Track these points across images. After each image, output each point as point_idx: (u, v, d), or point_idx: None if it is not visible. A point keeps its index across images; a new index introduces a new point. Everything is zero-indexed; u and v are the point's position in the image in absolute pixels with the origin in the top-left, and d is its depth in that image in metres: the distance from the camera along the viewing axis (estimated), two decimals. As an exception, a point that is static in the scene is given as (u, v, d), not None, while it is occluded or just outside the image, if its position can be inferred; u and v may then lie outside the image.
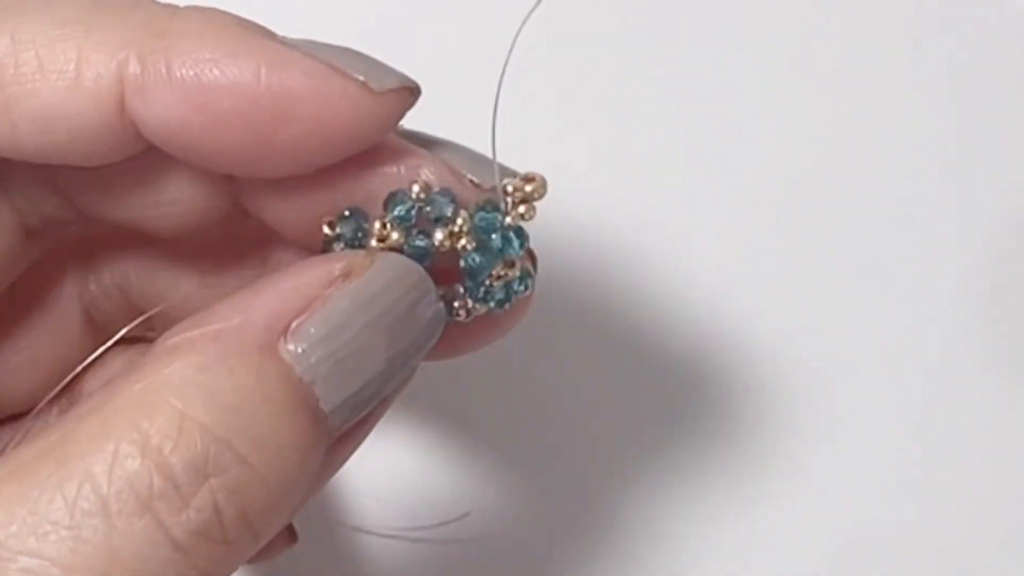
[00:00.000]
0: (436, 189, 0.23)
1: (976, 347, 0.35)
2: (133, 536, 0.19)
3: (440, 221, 0.22)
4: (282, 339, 0.21)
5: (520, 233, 0.23)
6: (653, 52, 0.35)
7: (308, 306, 0.21)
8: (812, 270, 0.34)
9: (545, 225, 0.24)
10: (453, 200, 0.22)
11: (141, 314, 0.26)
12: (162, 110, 0.20)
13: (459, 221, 0.22)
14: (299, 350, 0.21)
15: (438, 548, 0.29)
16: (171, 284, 0.27)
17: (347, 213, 0.23)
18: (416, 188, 0.22)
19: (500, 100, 0.31)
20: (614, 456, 0.36)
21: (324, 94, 0.21)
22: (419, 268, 0.22)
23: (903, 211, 0.34)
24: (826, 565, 0.34)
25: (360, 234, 0.23)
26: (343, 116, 0.21)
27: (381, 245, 0.22)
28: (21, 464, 0.19)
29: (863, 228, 0.35)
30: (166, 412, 0.19)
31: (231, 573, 0.20)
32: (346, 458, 0.23)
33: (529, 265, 0.24)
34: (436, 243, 0.22)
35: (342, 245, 0.23)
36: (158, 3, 0.21)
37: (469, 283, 0.23)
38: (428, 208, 0.22)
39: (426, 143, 0.23)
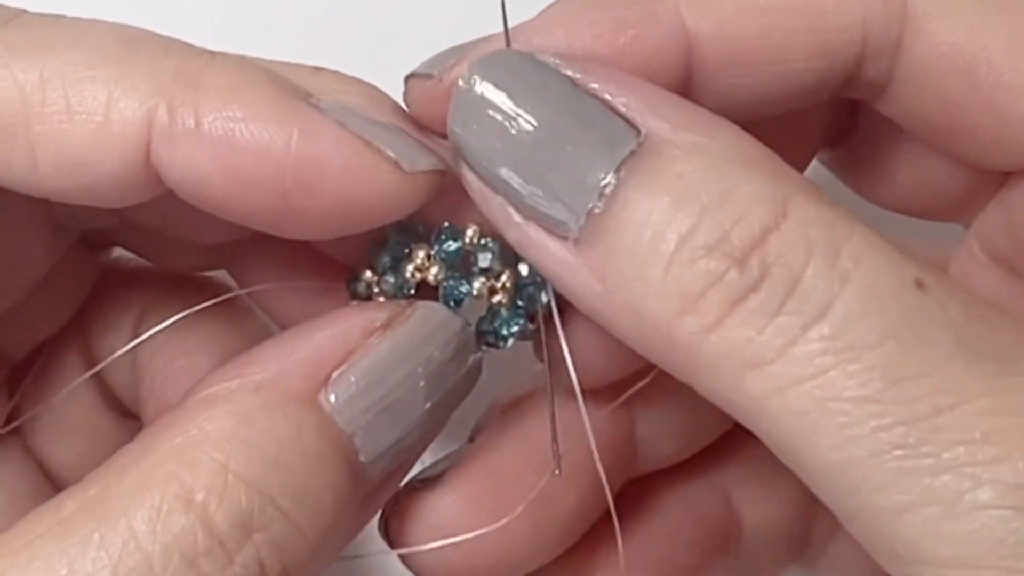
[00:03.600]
0: (488, 238, 0.22)
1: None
2: None
3: (483, 271, 0.22)
4: (322, 389, 0.21)
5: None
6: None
7: (348, 356, 0.21)
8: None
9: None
10: (501, 254, 0.22)
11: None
12: (188, 164, 0.20)
13: (503, 278, 0.22)
14: (339, 401, 0.20)
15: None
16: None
17: (394, 235, 0.22)
18: (471, 231, 0.22)
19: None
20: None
21: (353, 169, 0.20)
22: (460, 318, 0.22)
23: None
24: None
25: (405, 252, 0.22)
26: (370, 193, 0.20)
27: (417, 275, 0.22)
28: (61, 519, 0.19)
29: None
30: (209, 467, 0.19)
31: None
32: (380, 506, 0.23)
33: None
34: (474, 292, 0.22)
35: (385, 259, 0.22)
36: (192, 49, 0.20)
37: (484, 327, 0.23)
38: (473, 255, 0.22)
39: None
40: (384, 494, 0.22)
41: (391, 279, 0.22)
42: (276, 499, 0.19)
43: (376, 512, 0.23)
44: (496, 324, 0.23)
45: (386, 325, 0.21)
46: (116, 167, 0.20)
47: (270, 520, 0.19)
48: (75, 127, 0.19)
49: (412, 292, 0.22)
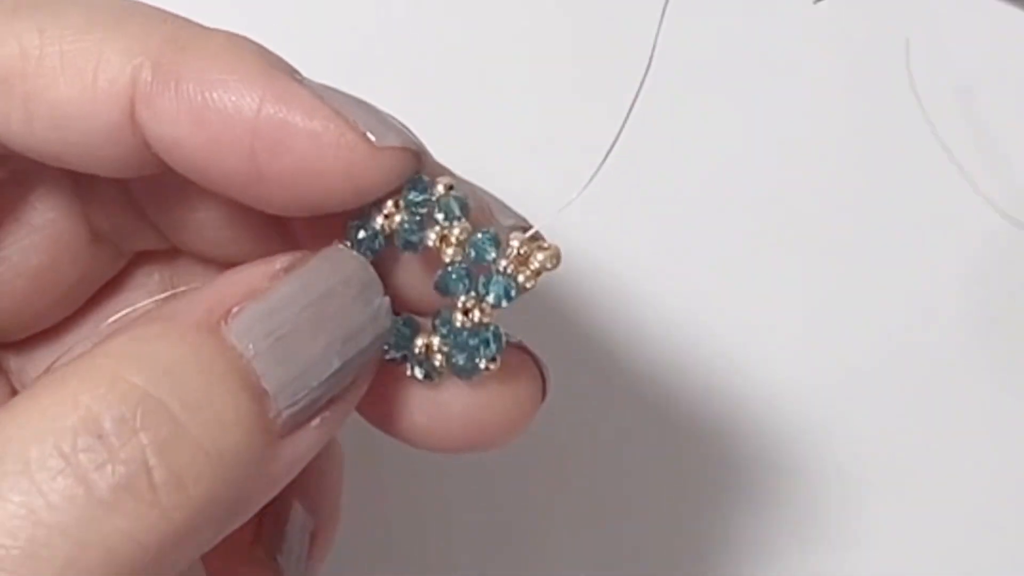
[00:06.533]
0: (458, 194, 0.22)
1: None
2: (52, 491, 0.18)
3: (443, 220, 0.22)
4: (222, 322, 0.21)
5: (508, 289, 0.22)
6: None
7: (250, 295, 0.21)
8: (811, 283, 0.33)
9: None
10: (465, 210, 0.22)
11: (154, 228, 0.25)
12: (165, 122, 0.21)
13: (456, 231, 0.22)
14: (238, 329, 0.20)
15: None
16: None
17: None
18: (441, 186, 0.22)
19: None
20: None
21: (320, 135, 0.21)
22: (363, 259, 0.22)
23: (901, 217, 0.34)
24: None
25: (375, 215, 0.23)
26: (337, 161, 0.21)
27: (385, 224, 0.22)
28: None
29: (860, 236, 0.35)
30: (98, 371, 0.19)
31: (170, 546, 0.19)
32: (299, 460, 0.22)
33: (502, 333, 0.23)
34: (428, 241, 0.22)
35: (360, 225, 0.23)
36: (191, 23, 0.22)
37: (439, 292, 0.22)
38: (439, 208, 0.22)
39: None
40: (302, 445, 0.21)
41: (362, 234, 0.23)
42: (166, 403, 0.19)
43: (294, 469, 0.22)
44: (441, 287, 0.22)
45: (287, 268, 0.22)
46: (102, 122, 0.21)
47: (157, 422, 0.19)
48: (67, 81, 0.21)
49: (383, 244, 0.23)
